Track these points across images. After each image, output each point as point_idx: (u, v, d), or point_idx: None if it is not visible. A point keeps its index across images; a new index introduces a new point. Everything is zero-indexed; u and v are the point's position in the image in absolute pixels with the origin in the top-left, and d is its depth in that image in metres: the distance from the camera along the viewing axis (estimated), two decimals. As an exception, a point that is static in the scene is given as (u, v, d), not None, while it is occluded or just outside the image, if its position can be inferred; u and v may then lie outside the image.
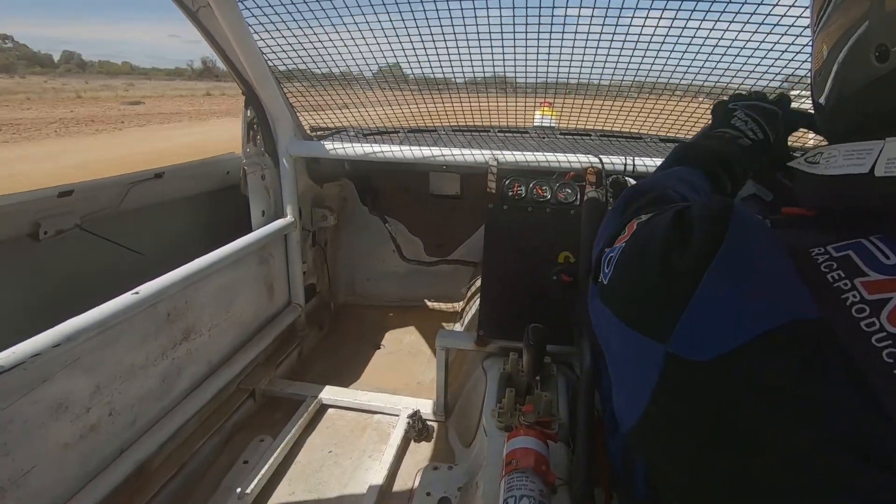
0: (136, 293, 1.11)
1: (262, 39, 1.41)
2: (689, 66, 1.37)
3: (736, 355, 0.34)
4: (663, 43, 1.29)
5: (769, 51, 1.25)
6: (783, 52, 1.24)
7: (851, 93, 0.42)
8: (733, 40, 1.24)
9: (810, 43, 0.50)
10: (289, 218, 1.79)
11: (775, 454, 0.31)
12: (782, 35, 1.19)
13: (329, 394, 1.61)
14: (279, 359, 1.77)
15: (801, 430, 0.30)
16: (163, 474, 1.22)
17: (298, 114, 1.77)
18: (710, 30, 1.21)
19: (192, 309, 1.35)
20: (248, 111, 1.64)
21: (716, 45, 1.27)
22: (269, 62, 1.50)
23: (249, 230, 1.67)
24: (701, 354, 0.35)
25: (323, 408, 1.60)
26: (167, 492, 1.20)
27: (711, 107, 0.82)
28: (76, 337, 0.94)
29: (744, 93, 0.81)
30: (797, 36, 1.17)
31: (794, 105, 0.80)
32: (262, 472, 1.28)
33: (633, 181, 1.40)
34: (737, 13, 1.15)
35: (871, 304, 0.31)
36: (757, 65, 1.31)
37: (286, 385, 1.65)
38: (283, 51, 1.47)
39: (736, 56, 1.29)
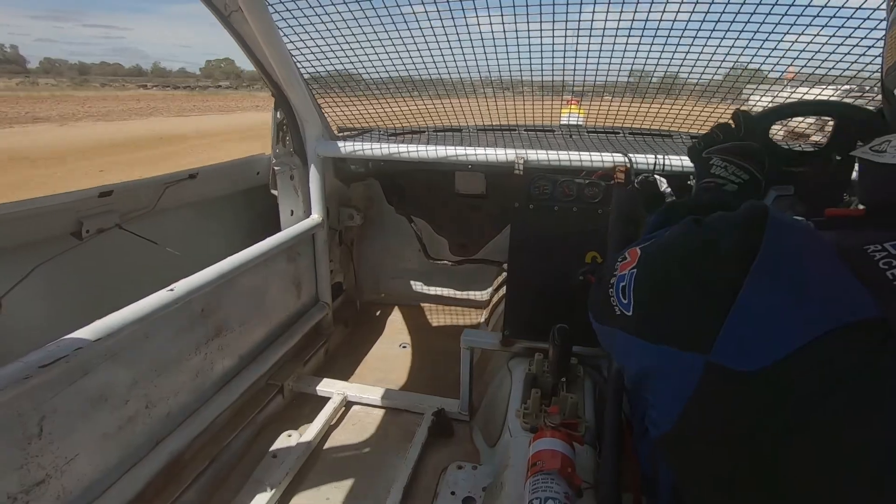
0: (172, 290, 1.15)
1: (290, 42, 1.44)
2: (720, 64, 1.34)
3: (787, 364, 0.32)
4: (695, 38, 1.26)
5: (802, 50, 1.21)
6: (817, 50, 1.20)
7: None
8: (766, 37, 1.20)
9: (883, 37, 0.47)
10: (316, 217, 1.82)
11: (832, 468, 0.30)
12: (817, 32, 1.14)
13: (355, 391, 1.63)
14: (307, 355, 1.80)
15: (868, 440, 0.29)
16: (195, 466, 1.25)
17: (326, 115, 1.79)
18: (745, 22, 1.18)
19: (223, 306, 1.39)
20: (278, 113, 1.68)
21: (747, 45, 1.23)
22: (297, 64, 1.53)
23: (279, 229, 1.71)
24: (747, 364, 0.34)
25: (349, 405, 1.62)
26: (199, 483, 1.24)
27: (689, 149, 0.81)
28: (116, 331, 0.98)
29: (712, 131, 0.79)
30: (826, 32, 1.13)
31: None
32: (290, 465, 1.31)
33: (662, 180, 1.37)
34: (769, 12, 1.11)
35: None
36: (782, 59, 1.27)
37: (313, 381, 1.68)
38: (312, 53, 1.49)
39: (768, 55, 1.25)
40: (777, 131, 1.14)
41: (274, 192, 1.76)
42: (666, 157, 1.43)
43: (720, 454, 0.36)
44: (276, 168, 1.70)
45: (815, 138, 1.59)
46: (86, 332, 0.94)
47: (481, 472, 1.27)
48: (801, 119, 1.29)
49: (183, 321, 1.24)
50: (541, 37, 1.31)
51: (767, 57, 1.28)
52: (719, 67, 1.36)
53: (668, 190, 1.35)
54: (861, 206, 0.45)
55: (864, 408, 0.29)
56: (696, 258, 0.40)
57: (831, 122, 0.95)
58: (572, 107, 2.00)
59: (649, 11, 1.18)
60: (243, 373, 1.49)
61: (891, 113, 0.47)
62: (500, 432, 1.28)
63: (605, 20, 1.22)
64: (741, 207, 0.41)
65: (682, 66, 1.38)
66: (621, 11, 1.19)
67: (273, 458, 1.37)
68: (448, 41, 1.38)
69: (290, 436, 1.46)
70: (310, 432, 1.43)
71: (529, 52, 1.39)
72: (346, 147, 1.73)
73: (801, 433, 0.31)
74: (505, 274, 1.44)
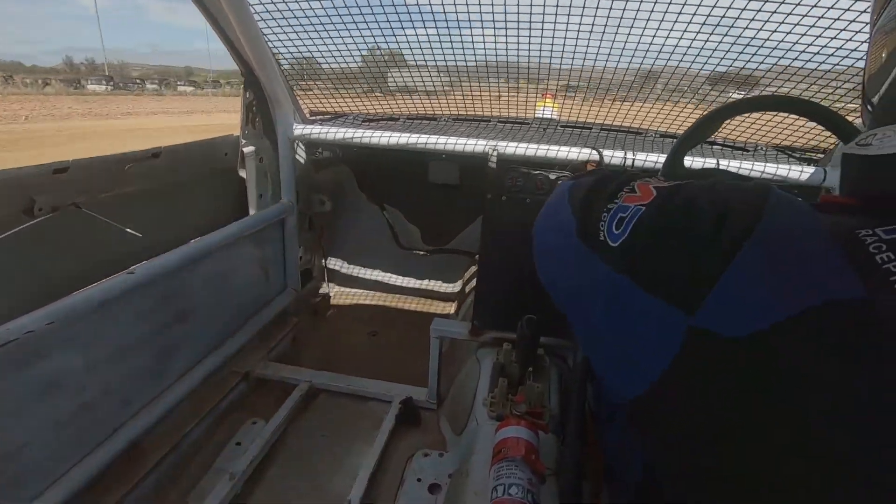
0: (132, 273, 1.11)
1: (262, 20, 1.39)
2: (689, 66, 1.37)
3: (769, 334, 0.33)
4: (667, 38, 1.29)
5: (773, 49, 1.25)
6: (786, 48, 1.24)
7: None
8: (737, 37, 1.24)
9: (867, 41, 0.49)
10: (286, 202, 1.78)
11: (798, 443, 0.31)
12: (787, 33, 1.18)
13: (322, 379, 1.62)
14: (273, 343, 1.78)
15: (829, 419, 0.30)
16: (155, 453, 1.22)
17: (298, 97, 1.75)
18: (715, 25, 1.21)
19: (187, 290, 1.35)
20: (248, 93, 1.63)
21: (720, 42, 1.27)
22: (269, 44, 1.49)
23: (246, 212, 1.66)
24: (731, 330, 0.35)
25: (316, 392, 1.61)
26: (159, 471, 1.21)
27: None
28: (71, 315, 0.94)
29: None
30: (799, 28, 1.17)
31: None
32: (255, 454, 1.29)
33: None
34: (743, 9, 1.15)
35: None
36: (751, 60, 1.31)
37: (279, 369, 1.66)
38: (284, 32, 1.45)
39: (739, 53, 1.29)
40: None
41: (242, 174, 1.71)
42: (636, 153, 1.46)
43: (697, 419, 0.37)
44: (244, 150, 1.66)
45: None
46: (38, 315, 0.90)
47: (447, 459, 1.29)
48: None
49: (144, 305, 1.20)
50: (517, 27, 1.32)
51: (734, 60, 1.32)
52: (688, 70, 1.40)
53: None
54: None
55: (844, 384, 0.30)
56: (709, 217, 0.41)
57: None
58: (547, 100, 2.02)
59: (624, 10, 1.20)
60: (206, 359, 1.46)
61: (871, 120, 0.49)
62: (467, 420, 1.30)
63: (581, 15, 1.24)
64: (752, 182, 0.42)
65: (653, 65, 1.41)
66: (597, 8, 1.21)
67: (237, 447, 1.35)
68: (424, 26, 1.37)
69: (254, 423, 1.44)
70: (275, 420, 1.42)
71: (507, 41, 1.39)
72: (319, 131, 1.70)
73: (782, 402, 0.32)
74: (476, 265, 1.45)
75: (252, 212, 1.69)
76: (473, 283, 1.45)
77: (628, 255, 0.45)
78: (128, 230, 1.44)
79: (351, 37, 1.46)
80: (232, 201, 1.72)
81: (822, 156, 1.56)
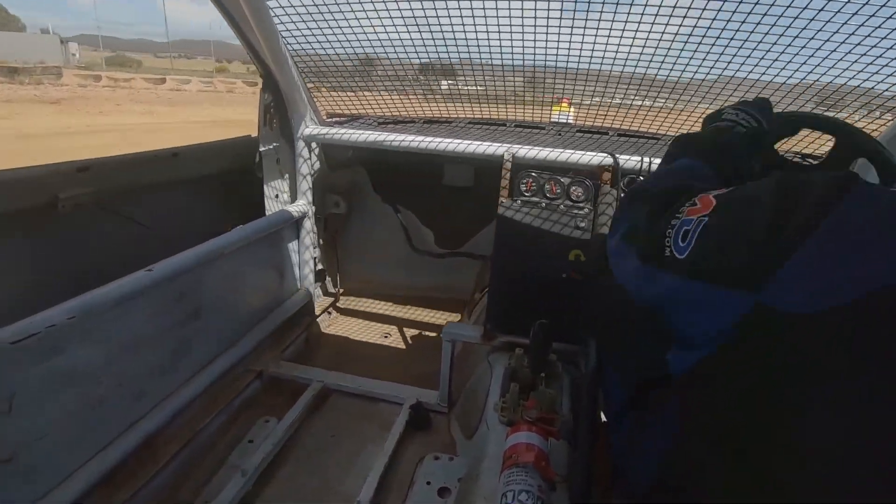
0: (150, 270, 1.13)
1: (281, 23, 1.41)
2: (711, 68, 1.35)
3: (847, 311, 0.34)
4: (686, 43, 1.27)
5: (794, 55, 1.23)
6: (811, 57, 1.22)
7: None
8: (758, 42, 1.22)
9: None
10: (302, 203, 1.80)
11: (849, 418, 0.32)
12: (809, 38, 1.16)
13: (334, 379, 1.62)
14: (287, 342, 1.79)
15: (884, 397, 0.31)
16: (169, 448, 1.24)
17: (315, 99, 1.77)
18: (736, 31, 1.19)
19: (203, 288, 1.37)
20: (266, 94, 1.65)
21: (740, 47, 1.25)
22: (288, 46, 1.50)
23: (263, 213, 1.68)
24: (798, 307, 0.36)
25: (327, 392, 1.62)
26: (173, 466, 1.22)
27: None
28: (91, 310, 0.96)
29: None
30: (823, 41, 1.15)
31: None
32: (267, 452, 1.30)
33: None
34: (763, 14, 1.13)
35: None
36: (771, 66, 1.29)
37: (292, 368, 1.67)
38: (303, 35, 1.47)
39: (760, 59, 1.27)
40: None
41: (259, 175, 1.74)
42: (653, 159, 1.45)
43: (750, 393, 0.38)
44: (262, 151, 1.68)
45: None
46: (59, 310, 0.92)
47: (457, 463, 1.28)
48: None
49: (161, 302, 1.22)
50: (535, 32, 1.31)
51: (755, 65, 1.30)
52: (709, 72, 1.38)
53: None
54: None
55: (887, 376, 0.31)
56: (781, 203, 0.41)
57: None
58: (563, 105, 2.01)
59: (643, 14, 1.19)
60: (221, 357, 1.47)
61: None
62: (478, 425, 1.29)
63: (599, 20, 1.23)
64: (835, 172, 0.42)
65: (671, 70, 1.39)
66: (614, 12, 1.20)
67: (249, 444, 1.36)
68: (441, 27, 1.37)
69: (267, 422, 1.45)
70: (287, 419, 1.43)
71: (523, 45, 1.39)
72: (335, 133, 1.71)
73: (848, 378, 0.33)
74: (489, 268, 1.45)
75: (268, 212, 1.71)
76: (486, 286, 1.45)
77: (697, 261, 0.46)
78: (146, 227, 1.47)
79: (368, 39, 1.48)
80: (248, 202, 1.74)
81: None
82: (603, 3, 1.17)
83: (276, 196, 1.77)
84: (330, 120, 1.90)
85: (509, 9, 1.24)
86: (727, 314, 0.40)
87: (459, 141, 1.61)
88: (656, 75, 1.44)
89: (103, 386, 1.07)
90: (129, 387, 1.15)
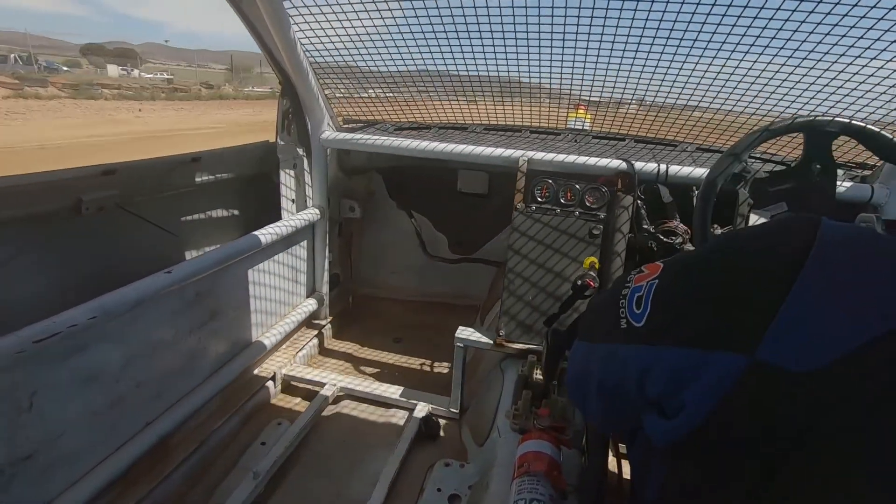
0: (169, 272, 1.15)
1: (300, 30, 1.44)
2: (728, 78, 1.34)
3: (849, 361, 0.32)
4: (709, 67, 1.26)
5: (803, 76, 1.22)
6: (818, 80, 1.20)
7: None
8: (776, 72, 1.20)
9: None
10: (318, 208, 1.82)
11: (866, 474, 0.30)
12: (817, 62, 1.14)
13: (347, 383, 1.63)
14: (300, 346, 1.81)
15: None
16: (183, 449, 1.26)
17: (332, 105, 1.79)
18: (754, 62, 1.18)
19: (219, 291, 1.39)
20: (284, 101, 1.67)
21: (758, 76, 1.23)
22: (306, 52, 1.53)
23: (279, 217, 1.70)
24: (801, 365, 0.33)
25: (340, 396, 1.63)
26: (186, 466, 1.24)
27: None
28: (111, 311, 0.98)
29: None
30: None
31: None
32: (278, 454, 1.31)
33: (665, 189, 1.37)
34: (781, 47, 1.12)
35: None
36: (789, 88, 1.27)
37: (305, 372, 1.68)
38: (321, 41, 1.49)
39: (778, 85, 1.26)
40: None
41: (276, 179, 1.76)
42: (669, 166, 1.43)
43: (752, 454, 0.36)
44: (279, 156, 1.70)
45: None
46: (81, 310, 0.94)
47: (468, 470, 1.27)
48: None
49: (178, 304, 1.24)
50: (551, 40, 1.31)
51: (777, 71, 1.28)
52: (727, 80, 1.37)
53: (671, 200, 1.35)
54: None
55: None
56: (744, 260, 0.40)
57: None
58: (579, 111, 2.00)
59: (661, 20, 1.18)
60: (235, 359, 1.49)
61: None
62: (489, 432, 1.28)
63: (616, 28, 1.22)
64: (792, 216, 0.41)
65: (689, 78, 1.38)
66: (633, 19, 1.19)
67: (261, 446, 1.37)
68: (458, 36, 1.38)
69: (279, 424, 1.46)
70: (299, 422, 1.43)
71: (539, 54, 1.39)
72: (351, 138, 1.73)
73: (855, 434, 0.31)
74: (502, 275, 1.44)
75: (284, 217, 1.73)
76: (499, 293, 1.44)
77: (654, 325, 0.45)
78: (167, 231, 1.49)
79: (385, 46, 1.49)
80: (266, 206, 1.77)
81: (868, 172, 1.49)
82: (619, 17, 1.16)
83: (293, 201, 1.79)
84: (346, 126, 1.92)
85: (526, 17, 1.24)
86: (715, 377, 0.37)
87: (474, 146, 1.61)
88: (671, 88, 1.44)
89: (122, 385, 1.09)
90: (146, 387, 1.17)
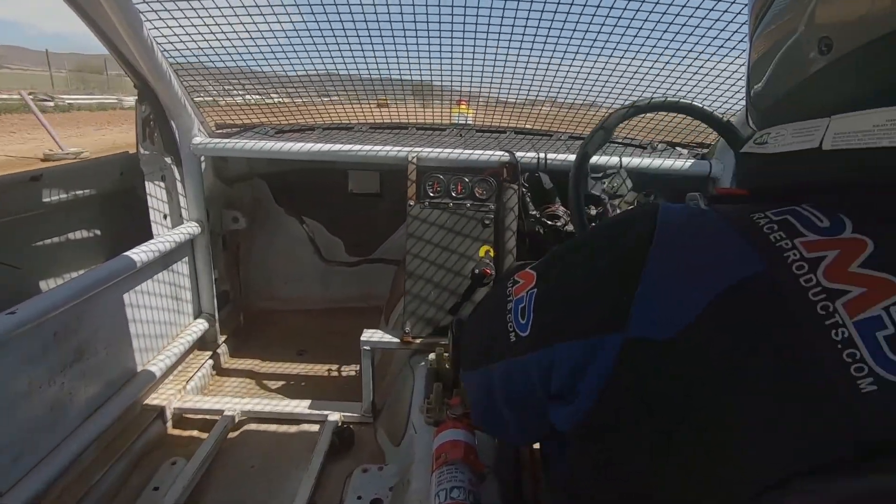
0: (13, 313, 0.98)
1: (155, 28, 1.30)
2: (587, 75, 1.47)
3: (695, 328, 0.35)
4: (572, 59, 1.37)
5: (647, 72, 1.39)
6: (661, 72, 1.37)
7: (790, 86, 0.45)
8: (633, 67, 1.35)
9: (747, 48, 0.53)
10: (194, 221, 1.66)
11: (731, 425, 0.33)
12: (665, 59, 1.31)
13: (248, 406, 1.52)
14: (191, 373, 1.65)
15: (749, 396, 0.32)
16: (58, 511, 1.09)
17: (203, 110, 1.65)
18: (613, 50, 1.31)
19: (85, 326, 1.22)
20: (143, 107, 1.50)
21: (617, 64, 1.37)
22: (166, 54, 1.39)
23: (150, 236, 1.53)
24: (663, 333, 0.36)
25: (242, 421, 1.52)
26: (64, 530, 1.08)
27: None
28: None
29: None
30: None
31: None
32: (176, 497, 1.18)
33: (546, 177, 1.47)
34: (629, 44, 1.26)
35: (809, 262, 0.33)
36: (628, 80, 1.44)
37: (199, 401, 1.54)
38: (183, 42, 1.37)
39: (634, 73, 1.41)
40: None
41: (142, 194, 1.57)
42: (547, 154, 1.53)
43: (646, 424, 0.38)
44: (143, 168, 1.52)
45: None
46: None
47: (387, 472, 1.26)
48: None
49: (31, 349, 1.06)
50: (428, 36, 1.34)
51: (626, 70, 1.44)
52: (587, 78, 1.50)
53: (552, 186, 1.46)
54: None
55: (750, 374, 0.33)
56: (602, 251, 0.43)
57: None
58: (462, 107, 2.06)
59: (535, 18, 1.26)
60: (114, 399, 1.32)
61: (759, 118, 0.54)
62: (405, 430, 1.28)
63: (488, 26, 1.28)
64: (637, 205, 0.45)
65: (556, 75, 1.49)
66: (502, 18, 1.26)
67: (154, 492, 1.23)
68: (333, 33, 1.35)
69: (174, 464, 1.32)
70: (197, 457, 1.31)
71: (418, 51, 1.41)
72: (227, 145, 1.61)
73: (722, 404, 0.34)
74: (403, 273, 1.44)
75: (156, 235, 1.56)
76: (401, 290, 1.44)
77: (542, 328, 0.47)
78: (5, 264, 1.27)
79: (256, 45, 1.41)
80: (132, 225, 1.57)
81: (706, 150, 1.73)
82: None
83: (165, 217, 1.63)
84: (220, 131, 1.78)
85: (401, 13, 1.25)
86: (602, 360, 0.40)
87: (362, 146, 1.59)
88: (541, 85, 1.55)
89: (-37, 453, 0.92)
90: (2, 450, 0.99)
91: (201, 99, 1.64)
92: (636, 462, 0.40)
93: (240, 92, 1.72)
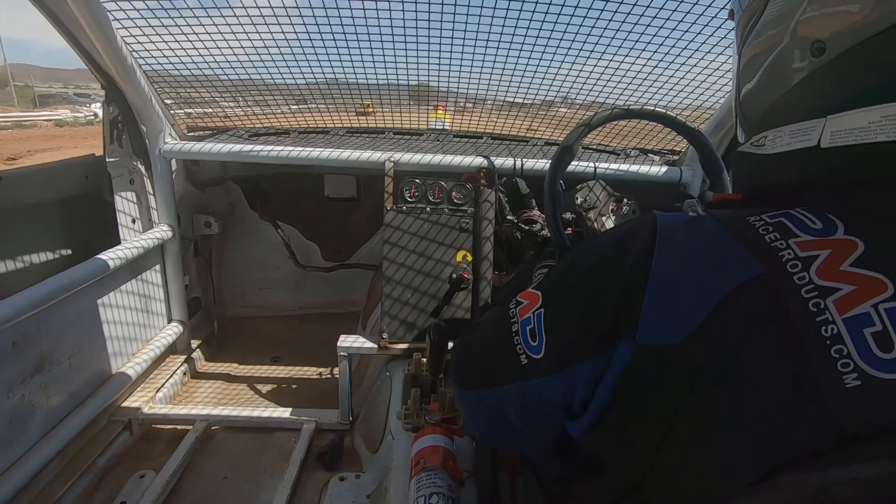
0: None
1: (123, 27, 1.26)
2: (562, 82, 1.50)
3: (702, 332, 0.36)
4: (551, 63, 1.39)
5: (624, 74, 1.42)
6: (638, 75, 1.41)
7: (782, 91, 0.46)
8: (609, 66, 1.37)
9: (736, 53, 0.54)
10: (165, 227, 1.62)
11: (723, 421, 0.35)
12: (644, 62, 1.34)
13: (221, 415, 1.48)
14: (161, 382, 1.60)
15: (749, 393, 0.34)
16: (17, 530, 1.04)
17: (173, 112, 1.61)
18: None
19: (46, 335, 1.17)
20: (111, 108, 1.46)
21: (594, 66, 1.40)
22: (134, 53, 1.35)
23: (118, 242, 1.48)
24: (671, 338, 0.37)
25: (215, 431, 1.47)
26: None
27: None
28: None
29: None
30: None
31: None
32: (145, 511, 1.14)
33: (522, 182, 1.48)
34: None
35: (802, 260, 0.35)
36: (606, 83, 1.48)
37: (170, 410, 1.50)
38: (153, 43, 1.33)
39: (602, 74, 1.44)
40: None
41: (109, 198, 1.52)
42: (524, 160, 1.55)
43: (654, 428, 0.39)
44: (110, 172, 1.47)
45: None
46: None
47: (364, 479, 1.25)
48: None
49: None
50: (405, 42, 1.34)
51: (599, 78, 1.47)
52: (562, 86, 1.53)
53: (528, 191, 1.47)
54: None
55: (754, 376, 0.34)
56: (608, 266, 0.44)
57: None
58: (439, 112, 2.07)
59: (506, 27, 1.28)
60: (78, 410, 1.27)
61: (748, 126, 0.55)
62: (383, 436, 1.27)
63: (465, 31, 1.29)
64: (635, 217, 0.45)
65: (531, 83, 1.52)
66: (479, 23, 1.27)
67: (122, 506, 1.19)
68: (309, 36, 1.34)
69: (142, 477, 1.27)
70: (167, 469, 1.27)
71: (395, 56, 1.41)
72: (199, 148, 1.57)
73: (715, 403, 0.35)
74: (380, 277, 1.43)
75: (123, 241, 1.50)
76: (379, 296, 1.43)
77: (558, 350, 0.46)
78: None
79: (227, 43, 1.38)
80: (99, 230, 1.52)
81: (677, 157, 1.77)
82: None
83: (133, 221, 1.58)
84: (192, 134, 1.74)
85: (378, 19, 1.25)
86: (615, 366, 0.41)
87: (339, 150, 1.57)
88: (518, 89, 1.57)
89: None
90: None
91: (173, 102, 1.60)
92: (636, 462, 0.41)
93: (214, 96, 1.68)
